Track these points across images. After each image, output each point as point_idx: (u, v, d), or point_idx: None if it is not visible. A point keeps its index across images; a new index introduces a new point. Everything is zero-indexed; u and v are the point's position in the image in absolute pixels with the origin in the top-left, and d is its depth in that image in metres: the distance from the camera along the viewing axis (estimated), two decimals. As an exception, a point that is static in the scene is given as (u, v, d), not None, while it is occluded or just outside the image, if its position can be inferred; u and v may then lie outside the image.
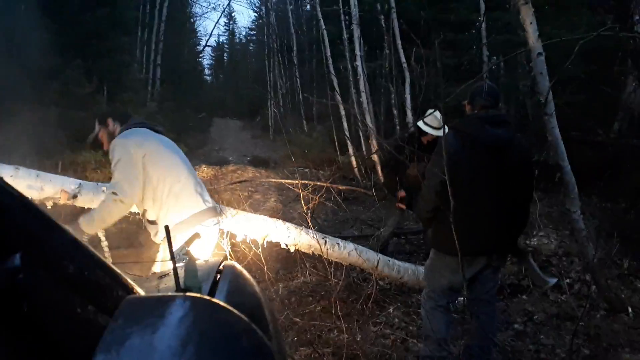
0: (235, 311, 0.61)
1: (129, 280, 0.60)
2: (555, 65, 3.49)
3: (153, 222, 2.47)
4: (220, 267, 1.53)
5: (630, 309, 3.37)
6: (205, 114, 20.78)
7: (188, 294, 0.60)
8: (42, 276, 0.44)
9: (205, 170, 10.01)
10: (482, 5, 7.69)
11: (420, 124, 4.29)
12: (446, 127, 3.27)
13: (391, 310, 3.52)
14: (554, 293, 3.73)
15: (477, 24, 8.57)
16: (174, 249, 2.38)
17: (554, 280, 3.80)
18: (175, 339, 0.47)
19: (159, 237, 2.51)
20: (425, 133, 4.05)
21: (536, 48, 3.01)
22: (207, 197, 2.57)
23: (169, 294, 0.60)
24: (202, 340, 0.50)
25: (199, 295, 0.60)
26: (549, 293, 3.72)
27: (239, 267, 1.64)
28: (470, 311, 2.66)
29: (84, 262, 0.52)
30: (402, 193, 4.25)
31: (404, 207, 4.32)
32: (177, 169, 2.45)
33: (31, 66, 7.76)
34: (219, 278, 1.42)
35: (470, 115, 2.48)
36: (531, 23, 3.01)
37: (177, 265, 1.64)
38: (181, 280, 1.22)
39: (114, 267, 0.57)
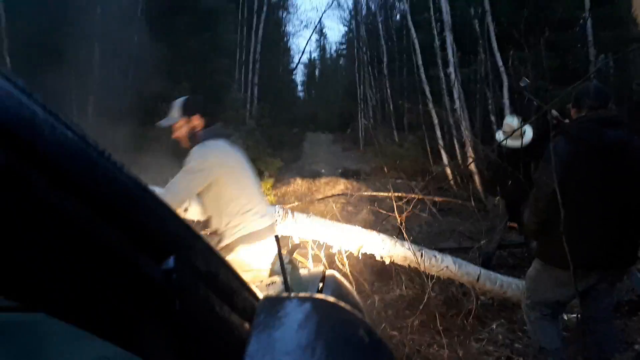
0: (357, 313, 0.69)
1: (252, 285, 0.66)
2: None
3: (214, 233, 2.48)
4: (323, 276, 1.59)
5: None
6: (298, 129, 21.45)
7: (319, 295, 0.67)
8: (191, 278, 0.49)
9: (300, 183, 10.32)
10: (587, 1, 7.12)
11: (498, 135, 4.05)
12: (528, 130, 3.07)
13: (494, 327, 3.34)
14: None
15: (582, 20, 7.94)
16: (238, 260, 2.46)
17: None
18: (311, 334, 0.55)
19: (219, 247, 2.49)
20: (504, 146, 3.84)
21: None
22: (270, 216, 2.58)
23: (303, 294, 0.68)
24: (335, 336, 0.58)
25: (329, 297, 0.67)
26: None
27: (340, 277, 1.68)
28: (585, 329, 2.44)
29: (219, 266, 0.58)
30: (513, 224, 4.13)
31: (514, 226, 4.17)
32: (250, 189, 2.47)
33: (144, 89, 8.58)
34: (322, 287, 1.47)
35: (582, 118, 2.28)
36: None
37: (275, 275, 1.72)
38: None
39: (239, 272, 0.63)
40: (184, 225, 0.52)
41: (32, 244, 0.35)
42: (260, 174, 9.30)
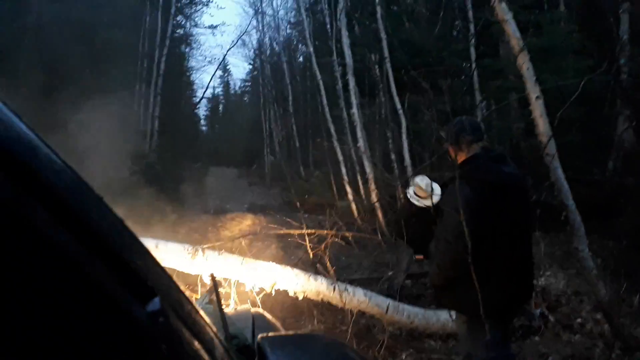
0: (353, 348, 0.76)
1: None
2: (548, 108, 3.61)
3: None
4: (252, 315, 1.55)
5: (645, 347, 3.32)
6: (201, 163, 20.92)
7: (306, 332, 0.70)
8: (175, 321, 0.47)
9: (204, 219, 9.98)
10: (473, 54, 8.00)
11: (409, 193, 4.16)
12: (436, 188, 2.85)
13: (404, 357, 3.45)
14: (566, 333, 3.69)
15: (468, 71, 8.86)
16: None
17: None
18: None
19: None
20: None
21: (534, 92, 3.14)
22: None
23: (302, 332, 0.72)
24: None
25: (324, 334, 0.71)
26: (562, 334, 3.68)
27: (267, 315, 1.65)
28: None
29: (192, 309, 0.57)
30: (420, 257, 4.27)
31: (422, 258, 4.32)
32: None
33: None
34: (254, 325, 1.44)
35: (473, 157, 2.23)
36: (528, 68, 3.14)
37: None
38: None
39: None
40: (161, 265, 0.50)
41: (24, 282, 0.32)
42: (162, 210, 8.84)
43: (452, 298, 2.32)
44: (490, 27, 7.98)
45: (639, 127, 6.94)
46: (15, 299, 0.32)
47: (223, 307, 1.73)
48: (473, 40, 8.50)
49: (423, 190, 3.72)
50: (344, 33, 8.70)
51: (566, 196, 3.16)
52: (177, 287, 0.54)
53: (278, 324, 1.70)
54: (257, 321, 1.57)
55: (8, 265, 0.30)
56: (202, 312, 0.61)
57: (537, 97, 3.15)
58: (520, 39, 3.33)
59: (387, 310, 3.63)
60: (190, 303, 0.57)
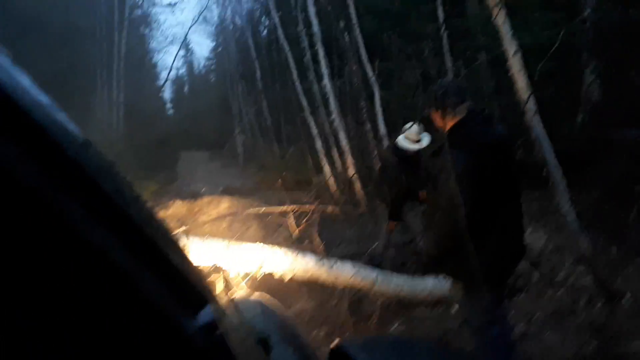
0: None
1: None
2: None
3: None
4: (254, 302, 1.47)
5: (628, 295, 3.40)
6: (171, 148, 20.48)
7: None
8: (224, 333, 0.41)
9: (180, 205, 9.77)
10: (441, 15, 7.87)
11: (399, 140, 4.18)
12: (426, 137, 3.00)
13: (396, 326, 3.46)
14: (550, 289, 3.74)
15: (437, 33, 8.75)
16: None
17: None
18: None
19: None
20: (405, 150, 4.00)
21: (512, 47, 3.08)
22: None
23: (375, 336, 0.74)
24: None
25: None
26: (546, 290, 3.73)
27: (270, 299, 1.58)
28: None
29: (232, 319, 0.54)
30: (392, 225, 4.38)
31: (395, 225, 4.39)
32: None
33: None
34: (259, 313, 1.36)
35: (463, 122, 2.13)
36: (504, 23, 3.07)
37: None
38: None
39: None
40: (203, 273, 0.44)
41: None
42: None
43: (448, 266, 2.28)
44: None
45: (605, 79, 7.01)
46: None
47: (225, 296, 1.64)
48: (440, 0, 8.35)
49: (414, 134, 3.86)
50: (310, 1, 8.45)
51: (547, 152, 3.16)
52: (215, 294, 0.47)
53: (281, 308, 1.62)
54: (261, 308, 1.48)
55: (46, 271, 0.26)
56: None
57: (515, 53, 3.09)
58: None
59: (374, 282, 3.61)
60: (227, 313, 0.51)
